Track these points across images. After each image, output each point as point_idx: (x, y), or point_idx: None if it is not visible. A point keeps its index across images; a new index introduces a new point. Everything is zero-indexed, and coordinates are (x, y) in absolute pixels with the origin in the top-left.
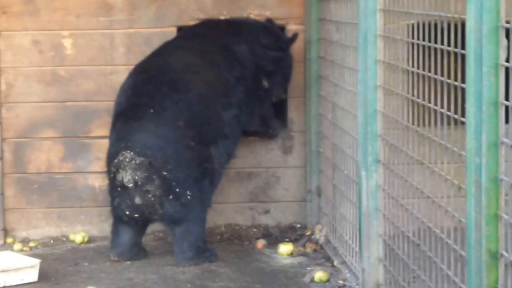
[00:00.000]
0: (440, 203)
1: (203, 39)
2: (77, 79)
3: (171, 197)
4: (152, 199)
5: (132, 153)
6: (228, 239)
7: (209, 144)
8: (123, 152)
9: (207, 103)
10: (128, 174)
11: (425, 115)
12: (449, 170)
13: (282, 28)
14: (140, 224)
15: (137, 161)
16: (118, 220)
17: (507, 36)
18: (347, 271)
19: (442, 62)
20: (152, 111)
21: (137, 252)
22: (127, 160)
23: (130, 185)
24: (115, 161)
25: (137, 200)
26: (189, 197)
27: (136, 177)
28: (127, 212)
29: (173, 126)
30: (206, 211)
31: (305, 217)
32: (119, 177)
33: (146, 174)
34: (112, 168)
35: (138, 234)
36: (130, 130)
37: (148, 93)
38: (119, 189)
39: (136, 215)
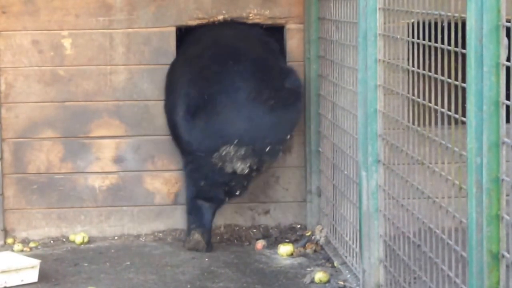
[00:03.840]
0: (441, 203)
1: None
2: (76, 79)
3: (280, 154)
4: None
5: (232, 145)
6: (228, 240)
7: (279, 88)
8: (224, 147)
9: (266, 70)
10: (239, 164)
11: (426, 115)
12: (449, 170)
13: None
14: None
15: (242, 152)
16: (202, 200)
17: (508, 35)
18: (347, 272)
19: (443, 61)
20: (231, 94)
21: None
22: (232, 153)
23: (246, 172)
24: (217, 154)
25: (246, 183)
26: (288, 137)
27: (248, 164)
28: (223, 192)
29: (253, 102)
30: None
31: (305, 218)
32: (227, 168)
33: (255, 159)
34: (215, 159)
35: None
36: (222, 120)
37: (217, 78)
38: (221, 175)
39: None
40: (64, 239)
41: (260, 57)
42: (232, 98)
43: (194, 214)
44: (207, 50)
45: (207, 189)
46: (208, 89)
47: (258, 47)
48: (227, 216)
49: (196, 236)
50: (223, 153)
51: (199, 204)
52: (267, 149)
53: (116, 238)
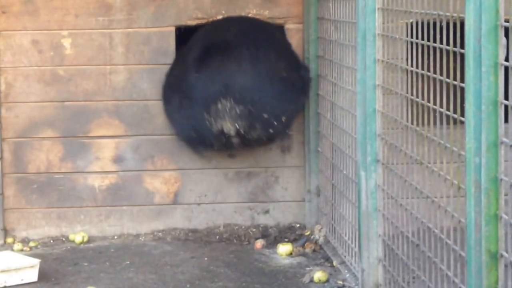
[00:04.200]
0: (440, 203)
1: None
2: (76, 78)
3: (271, 131)
4: (253, 142)
5: (231, 100)
6: (227, 239)
7: (292, 68)
8: (222, 100)
9: (286, 52)
10: (228, 123)
11: (425, 115)
12: (448, 170)
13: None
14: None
15: (237, 111)
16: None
17: (506, 35)
18: (346, 271)
19: (441, 61)
20: (246, 49)
21: None
22: (228, 108)
23: (231, 133)
24: (213, 107)
25: (236, 145)
26: (284, 120)
27: (237, 126)
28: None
29: (268, 63)
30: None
31: (304, 217)
32: (218, 125)
33: (248, 123)
34: (209, 114)
35: None
36: (227, 71)
37: (236, 42)
38: (214, 134)
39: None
40: (63, 239)
41: (284, 42)
42: (247, 60)
43: (192, 148)
44: (230, 25)
45: (196, 141)
46: (226, 48)
47: (281, 34)
48: (226, 216)
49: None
50: (220, 106)
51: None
52: (264, 116)
53: (115, 237)
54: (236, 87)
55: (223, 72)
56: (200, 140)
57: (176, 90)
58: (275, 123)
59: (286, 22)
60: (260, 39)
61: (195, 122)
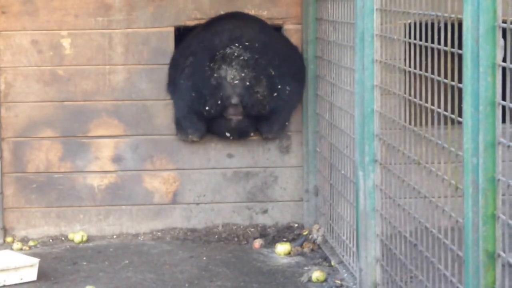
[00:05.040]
0: (437, 203)
1: None
2: (75, 78)
3: (275, 94)
4: (261, 98)
5: (240, 46)
6: (226, 239)
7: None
8: (231, 46)
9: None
10: (234, 70)
11: (422, 115)
12: (446, 170)
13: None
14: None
15: (245, 57)
16: (196, 115)
17: (504, 36)
18: (344, 270)
19: (439, 62)
20: (250, 16)
21: None
22: (235, 53)
23: (236, 82)
24: (219, 55)
25: (241, 99)
26: (287, 91)
27: (243, 75)
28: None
29: (272, 31)
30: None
31: (302, 217)
32: (221, 72)
33: (254, 74)
34: (214, 62)
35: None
36: (235, 27)
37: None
38: (218, 85)
39: (230, 112)
40: (63, 238)
41: (284, 38)
42: (254, 20)
43: (189, 121)
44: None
45: (197, 102)
46: (231, 17)
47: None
48: (225, 215)
49: (195, 138)
50: (228, 51)
51: (192, 116)
52: (270, 71)
53: (114, 237)
54: (245, 37)
55: (231, 28)
56: (197, 103)
57: (183, 54)
58: (280, 86)
59: (284, 22)
60: (268, 30)
61: (195, 77)
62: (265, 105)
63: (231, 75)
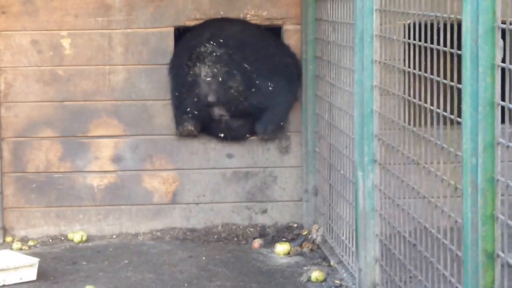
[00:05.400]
0: (437, 203)
1: None
2: (75, 78)
3: (253, 90)
4: (235, 94)
5: (215, 44)
6: (225, 239)
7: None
8: (206, 44)
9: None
10: (206, 67)
11: (422, 115)
12: (445, 170)
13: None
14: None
15: (218, 53)
16: (186, 115)
17: (503, 37)
18: (343, 270)
19: (438, 62)
20: (241, 30)
21: None
22: (209, 51)
23: (208, 79)
24: (195, 53)
25: (217, 96)
26: (270, 88)
27: (216, 71)
28: (203, 108)
29: (258, 31)
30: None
31: (301, 217)
32: (196, 69)
33: (227, 69)
34: (190, 60)
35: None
36: (220, 26)
37: (235, 28)
38: (194, 82)
39: (215, 111)
40: (62, 238)
41: (272, 37)
42: (239, 22)
43: (180, 117)
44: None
45: (180, 101)
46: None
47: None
48: (224, 215)
49: (190, 127)
50: (203, 49)
51: (182, 114)
52: (245, 67)
53: (114, 236)
54: (222, 36)
55: (211, 29)
56: (181, 102)
57: (177, 55)
58: (258, 82)
59: (284, 23)
60: (262, 33)
61: (177, 77)
62: (242, 101)
63: (204, 72)
